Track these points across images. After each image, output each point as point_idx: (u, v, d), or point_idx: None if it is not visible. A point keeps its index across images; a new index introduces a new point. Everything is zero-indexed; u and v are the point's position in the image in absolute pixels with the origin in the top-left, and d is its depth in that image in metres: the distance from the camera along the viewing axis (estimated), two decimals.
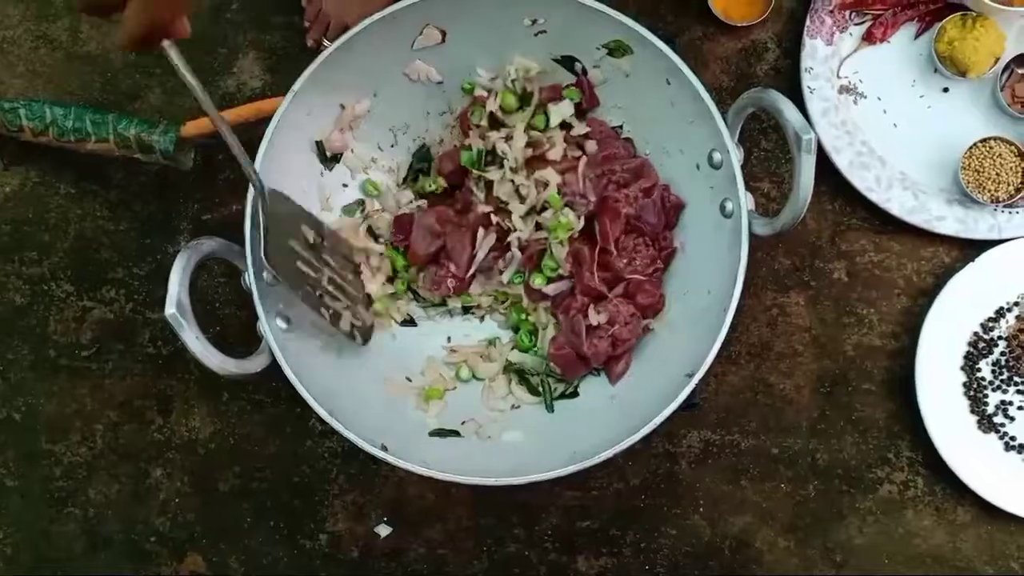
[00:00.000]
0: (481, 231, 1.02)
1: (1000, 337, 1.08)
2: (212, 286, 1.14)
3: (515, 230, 1.01)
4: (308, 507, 1.14)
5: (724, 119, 0.91)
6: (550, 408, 1.01)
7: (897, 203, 1.08)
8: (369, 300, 1.03)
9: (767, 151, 1.12)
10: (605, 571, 1.12)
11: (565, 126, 1.02)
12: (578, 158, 1.01)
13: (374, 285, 1.03)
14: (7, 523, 1.16)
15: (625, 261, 0.99)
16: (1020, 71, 1.07)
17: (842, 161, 1.08)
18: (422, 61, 1.00)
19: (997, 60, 1.06)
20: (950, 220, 1.08)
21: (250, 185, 0.88)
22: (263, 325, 0.91)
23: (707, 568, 1.11)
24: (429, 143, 1.06)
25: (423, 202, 1.05)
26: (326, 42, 1.12)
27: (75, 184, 1.16)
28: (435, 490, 1.12)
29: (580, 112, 1.02)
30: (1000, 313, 1.08)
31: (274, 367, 0.92)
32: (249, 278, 0.92)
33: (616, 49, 0.95)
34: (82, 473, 1.15)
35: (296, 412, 1.13)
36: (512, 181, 1.01)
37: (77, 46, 1.16)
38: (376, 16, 0.92)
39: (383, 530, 1.13)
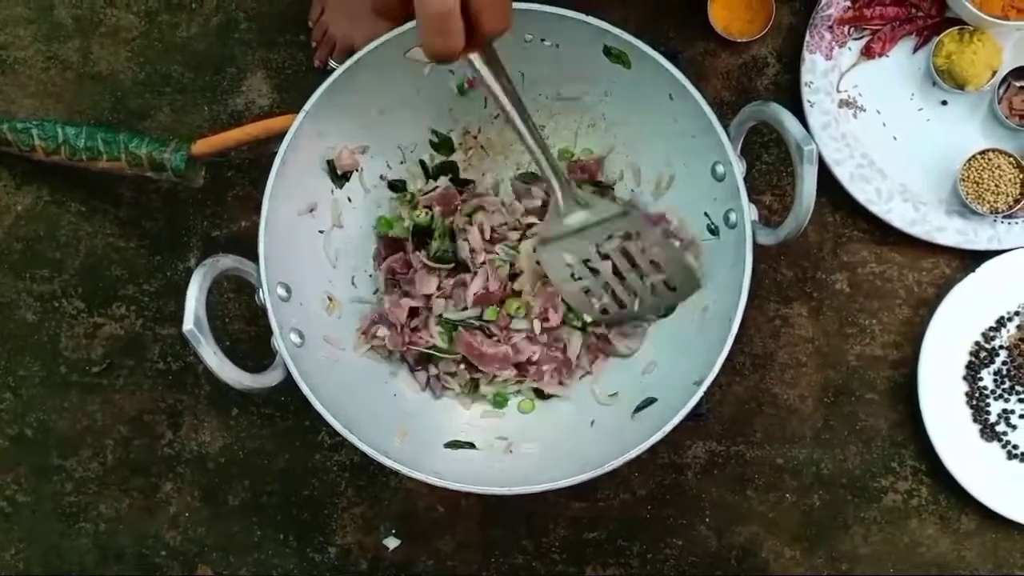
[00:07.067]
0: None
1: (1001, 346, 1.10)
2: (221, 303, 1.15)
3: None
4: (317, 520, 1.14)
5: (726, 133, 0.92)
6: None
7: (898, 215, 1.09)
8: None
9: (768, 164, 1.13)
10: None
11: None
12: None
13: None
14: (18, 538, 1.17)
15: None
16: (1017, 84, 1.09)
17: (843, 174, 1.09)
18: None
19: (994, 73, 1.07)
20: (950, 231, 1.09)
21: None
22: (278, 340, 0.91)
23: None
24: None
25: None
26: (332, 63, 1.13)
27: (85, 202, 1.17)
28: (444, 502, 1.13)
29: None
30: (1001, 323, 1.10)
31: (283, 382, 0.93)
32: (264, 294, 0.92)
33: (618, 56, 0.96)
34: (93, 488, 1.16)
35: (305, 425, 1.14)
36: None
37: (88, 66, 1.17)
38: (384, 38, 0.93)
39: (392, 542, 1.14)
